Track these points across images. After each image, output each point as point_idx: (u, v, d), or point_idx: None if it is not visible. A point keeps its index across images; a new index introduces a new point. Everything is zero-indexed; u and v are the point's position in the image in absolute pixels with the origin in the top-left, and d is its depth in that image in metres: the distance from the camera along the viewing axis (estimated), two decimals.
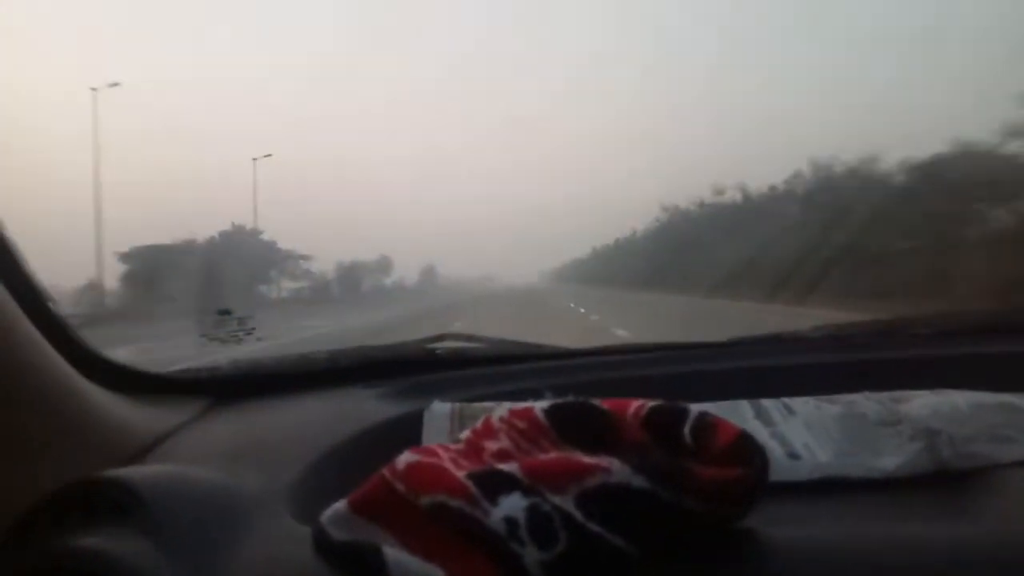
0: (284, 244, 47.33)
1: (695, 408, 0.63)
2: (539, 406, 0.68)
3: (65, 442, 0.77)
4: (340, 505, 0.58)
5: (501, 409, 0.69)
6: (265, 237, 45.23)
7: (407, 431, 0.94)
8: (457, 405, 0.97)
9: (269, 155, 44.18)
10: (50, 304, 0.81)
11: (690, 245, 37.78)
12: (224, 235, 41.88)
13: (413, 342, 1.34)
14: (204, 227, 43.51)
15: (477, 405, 0.98)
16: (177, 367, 1.24)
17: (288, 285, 48.68)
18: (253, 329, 1.42)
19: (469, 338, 1.37)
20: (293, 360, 1.31)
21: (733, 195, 35.88)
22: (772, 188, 30.80)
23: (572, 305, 23.69)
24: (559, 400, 0.69)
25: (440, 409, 0.97)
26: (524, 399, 0.92)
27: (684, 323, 15.81)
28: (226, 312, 1.43)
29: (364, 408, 1.08)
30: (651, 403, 0.65)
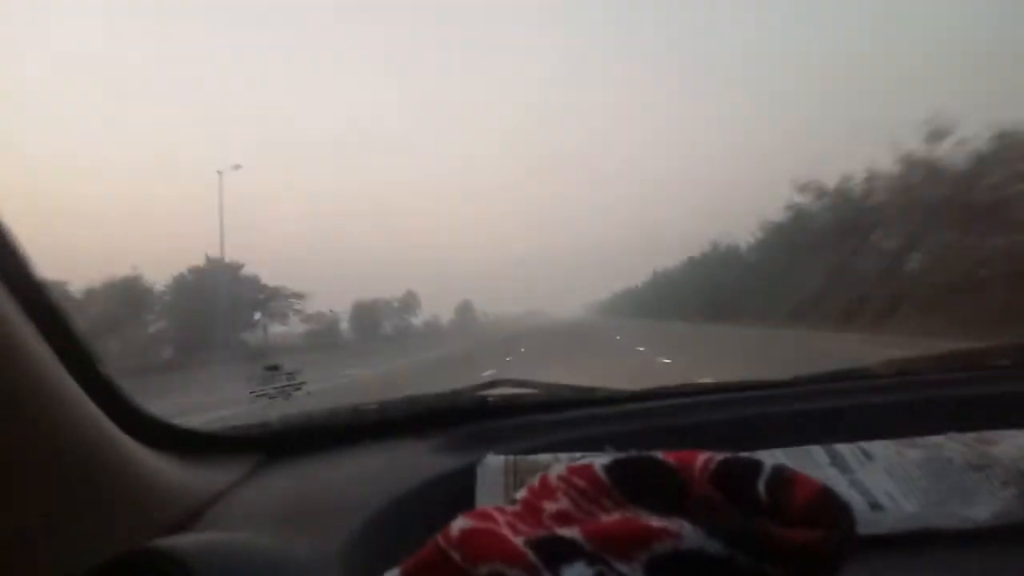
0: (272, 280, 41.70)
1: (768, 459, 0.58)
2: (599, 462, 0.64)
3: (112, 508, 0.76)
4: (393, 574, 0.55)
5: (559, 466, 0.65)
6: (247, 272, 39.03)
7: (461, 486, 0.91)
8: (511, 458, 0.95)
9: (239, 166, 39.13)
10: (95, 360, 0.80)
11: (740, 276, 37.14)
12: (195, 272, 35.99)
13: (465, 389, 1.32)
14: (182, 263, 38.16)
15: (532, 458, 0.95)
16: (222, 423, 1.23)
17: (281, 329, 42.93)
18: (303, 384, 1.41)
19: (522, 383, 1.35)
20: (344, 412, 1.30)
21: (788, 221, 33.90)
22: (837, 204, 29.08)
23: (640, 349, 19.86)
24: (620, 455, 0.65)
25: (494, 463, 0.94)
26: (581, 449, 0.88)
27: (751, 359, 14.99)
28: (274, 368, 1.43)
29: (416, 462, 1.06)
30: (720, 456, 0.61)
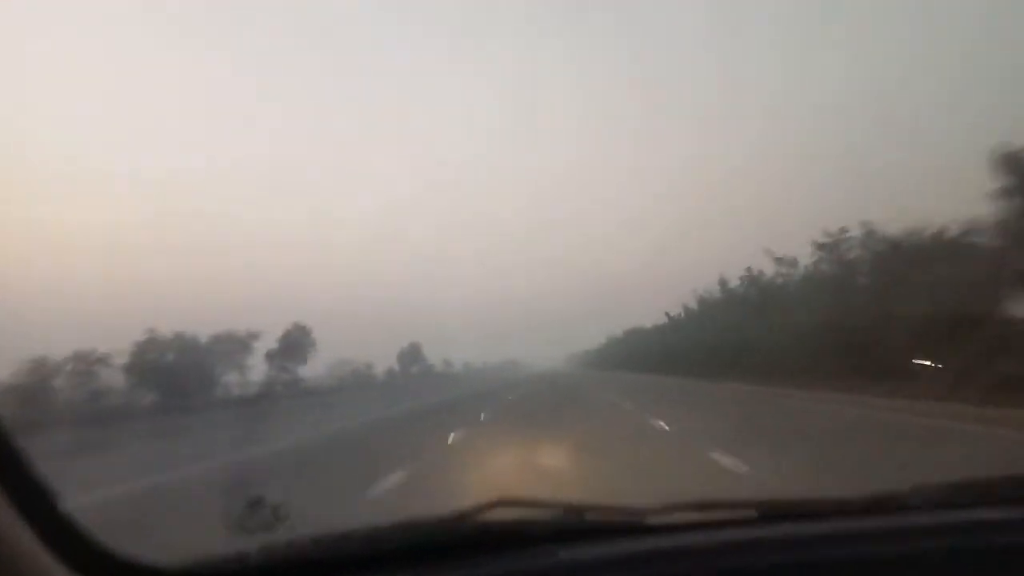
0: (222, 327, 41.53)
1: None
2: None
3: None
4: None
5: None
6: (189, 333, 37.97)
7: None
8: None
9: None
10: (53, 501, 0.72)
11: (720, 332, 37.42)
12: (142, 345, 35.35)
13: (467, 512, 1.20)
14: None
15: None
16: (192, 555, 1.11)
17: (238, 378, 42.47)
18: (287, 516, 1.29)
19: (527, 503, 1.23)
20: (331, 541, 1.18)
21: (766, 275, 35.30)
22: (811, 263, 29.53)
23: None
24: None
25: None
26: None
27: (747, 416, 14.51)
28: (257, 501, 1.31)
29: None
30: None
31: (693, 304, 47.72)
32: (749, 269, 36.61)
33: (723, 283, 40.04)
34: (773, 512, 1.23)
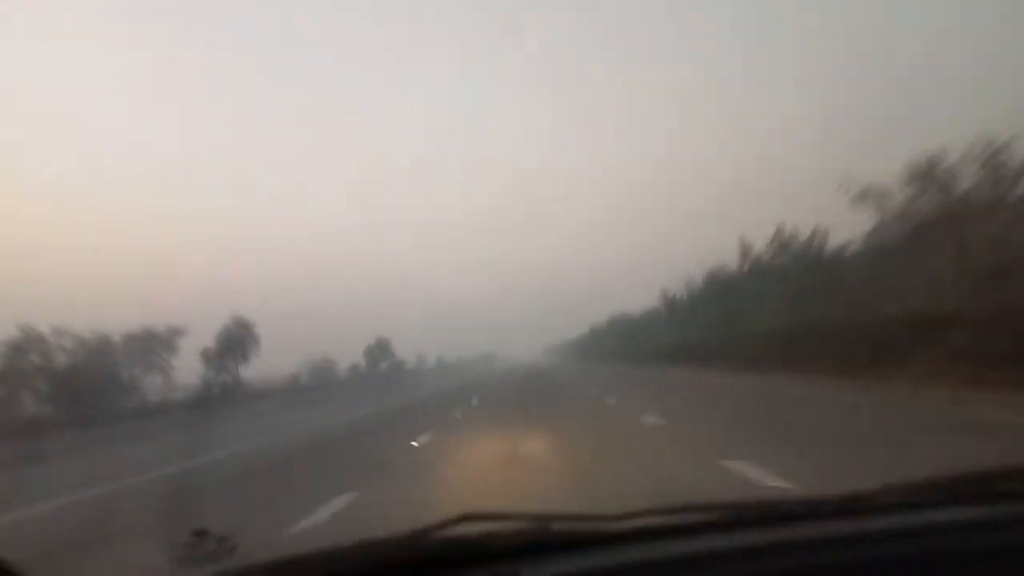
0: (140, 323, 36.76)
1: None
2: None
3: None
4: None
5: None
6: (94, 330, 33.20)
7: None
8: None
9: None
10: None
11: (702, 316, 38.66)
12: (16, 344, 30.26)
13: (430, 527, 1.14)
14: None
15: None
16: None
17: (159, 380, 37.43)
18: (235, 547, 1.21)
19: (494, 516, 1.17)
20: (285, 564, 1.09)
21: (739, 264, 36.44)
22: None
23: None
24: None
25: None
26: None
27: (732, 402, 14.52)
28: (202, 532, 1.23)
29: None
30: None
31: (681, 290, 48.59)
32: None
33: (713, 271, 40.51)
34: (743, 516, 1.21)
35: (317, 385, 52.11)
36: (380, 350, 73.17)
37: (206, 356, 40.21)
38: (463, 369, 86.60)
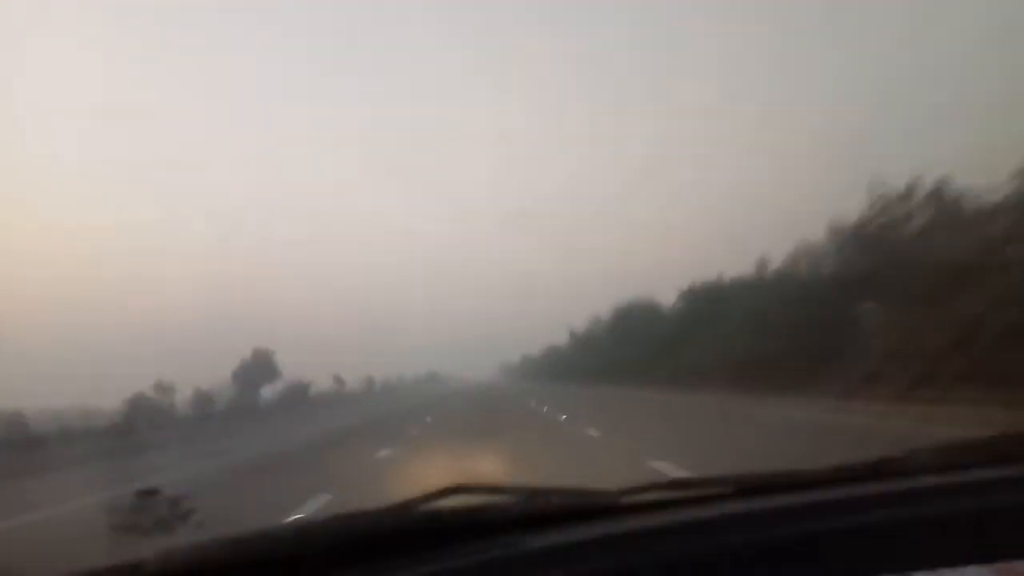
0: None
1: None
2: None
3: None
4: None
5: None
6: None
7: None
8: None
9: None
10: None
11: (662, 337, 37.78)
12: None
13: (415, 500, 1.01)
14: None
15: None
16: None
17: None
18: (191, 511, 1.06)
19: (487, 489, 1.06)
20: (251, 541, 0.95)
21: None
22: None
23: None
24: None
25: None
26: None
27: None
28: (149, 492, 1.07)
29: None
30: None
31: (634, 310, 47.28)
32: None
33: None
34: (755, 485, 1.12)
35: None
36: (259, 369, 49.34)
37: None
38: (404, 393, 70.47)
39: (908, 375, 14.08)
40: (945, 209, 18.43)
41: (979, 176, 17.95)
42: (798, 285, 23.74)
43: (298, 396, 51.07)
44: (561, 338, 78.64)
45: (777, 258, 28.00)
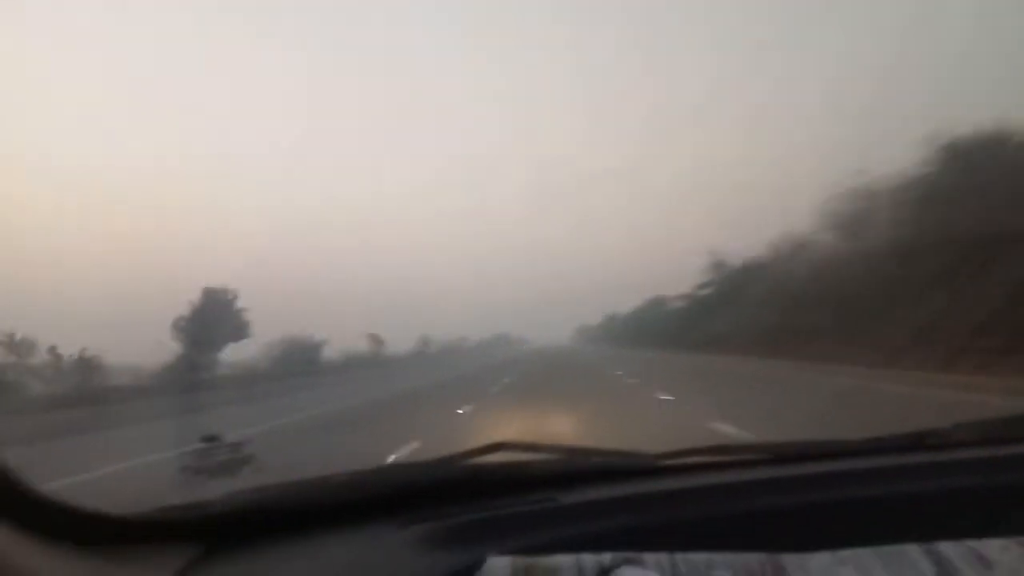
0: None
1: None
2: None
3: None
4: None
5: None
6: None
7: None
8: (521, 561, 0.77)
9: None
10: None
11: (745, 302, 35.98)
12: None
13: (458, 455, 1.08)
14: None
15: (548, 561, 0.77)
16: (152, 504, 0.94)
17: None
18: (251, 456, 1.14)
19: (528, 447, 1.11)
20: (307, 488, 1.05)
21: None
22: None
23: None
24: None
25: (498, 567, 0.76)
26: (611, 545, 0.77)
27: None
28: (212, 439, 1.15)
29: (395, 558, 0.87)
30: None
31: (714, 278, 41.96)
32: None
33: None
34: (793, 453, 1.14)
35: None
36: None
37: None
38: (476, 355, 67.41)
39: (958, 341, 13.79)
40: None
41: None
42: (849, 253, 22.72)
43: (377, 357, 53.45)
44: (636, 306, 75.07)
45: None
